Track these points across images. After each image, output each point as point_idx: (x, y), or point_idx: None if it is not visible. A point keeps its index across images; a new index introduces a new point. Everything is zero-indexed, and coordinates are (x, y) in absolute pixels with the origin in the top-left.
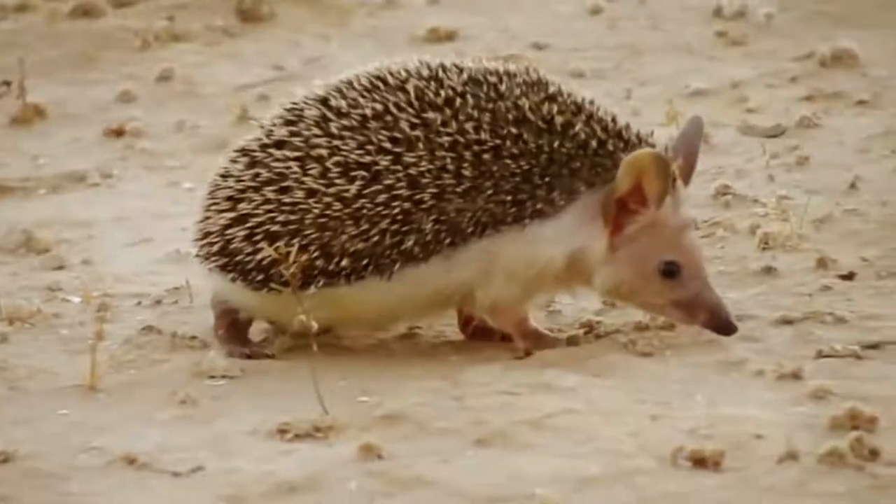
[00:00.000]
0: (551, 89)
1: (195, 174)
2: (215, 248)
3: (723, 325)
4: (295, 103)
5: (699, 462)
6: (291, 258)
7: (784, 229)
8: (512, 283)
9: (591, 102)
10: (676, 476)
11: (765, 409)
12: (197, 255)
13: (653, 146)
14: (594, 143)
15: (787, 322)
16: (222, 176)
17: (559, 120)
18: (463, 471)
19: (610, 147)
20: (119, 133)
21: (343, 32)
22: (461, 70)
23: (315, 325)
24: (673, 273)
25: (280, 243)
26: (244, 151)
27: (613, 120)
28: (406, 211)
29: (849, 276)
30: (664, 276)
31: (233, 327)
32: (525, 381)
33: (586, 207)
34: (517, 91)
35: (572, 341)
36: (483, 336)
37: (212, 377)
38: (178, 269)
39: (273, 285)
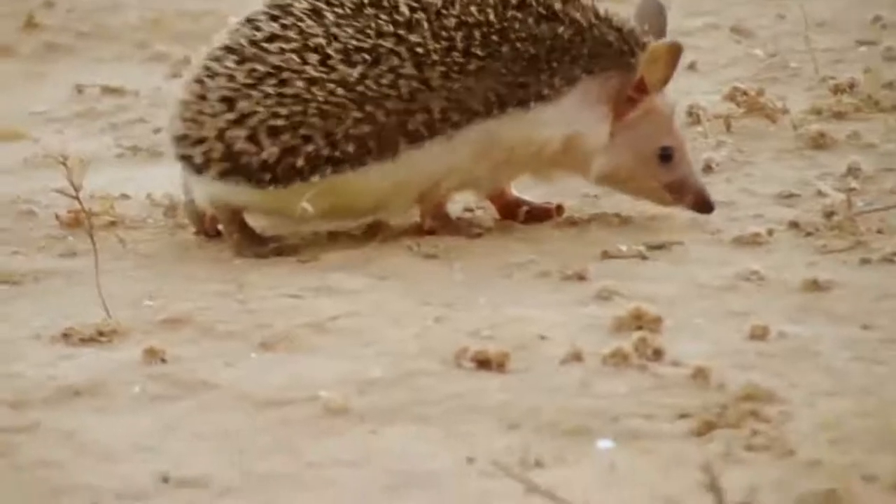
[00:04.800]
0: None
1: None
2: (216, 154)
3: (708, 204)
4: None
5: (483, 363)
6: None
7: None
8: (505, 165)
9: None
10: (460, 377)
11: (549, 310)
12: (187, 166)
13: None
14: (595, 32)
15: (573, 223)
16: (209, 76)
17: (557, 7)
18: (247, 374)
19: (608, 36)
20: None
21: None
22: None
23: (311, 210)
24: (669, 157)
25: (284, 137)
26: (229, 49)
27: (601, 9)
28: (413, 90)
29: None
30: (661, 160)
31: (245, 231)
32: (309, 284)
33: (585, 93)
34: None
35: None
36: (537, 217)
37: None
38: None
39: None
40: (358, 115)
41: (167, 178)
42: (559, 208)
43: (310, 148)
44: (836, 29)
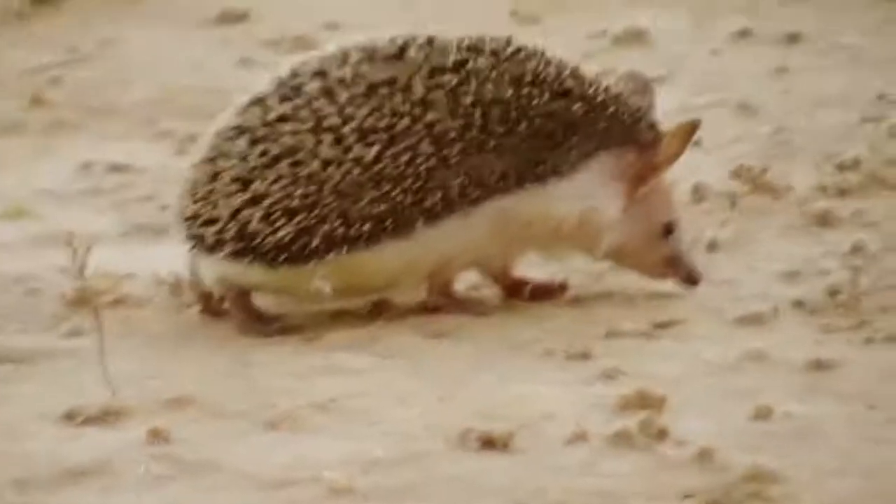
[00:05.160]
0: (545, 56)
1: None
2: (229, 234)
3: (696, 277)
4: (284, 79)
5: (488, 443)
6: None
7: None
8: (518, 242)
9: (579, 67)
10: (465, 457)
11: (554, 388)
12: (198, 246)
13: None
14: (608, 108)
15: (577, 301)
16: (221, 156)
17: (570, 83)
18: (251, 454)
19: (620, 112)
20: None
21: (135, 13)
22: (454, 39)
23: (329, 291)
24: (671, 231)
25: (299, 217)
26: (241, 129)
27: (608, 85)
28: (431, 168)
29: None
30: (665, 234)
31: (251, 310)
32: (314, 364)
33: (601, 169)
34: (519, 56)
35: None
36: (541, 295)
37: None
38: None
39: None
40: (374, 194)
41: (172, 257)
42: (563, 286)
43: (325, 228)
44: (842, 106)
